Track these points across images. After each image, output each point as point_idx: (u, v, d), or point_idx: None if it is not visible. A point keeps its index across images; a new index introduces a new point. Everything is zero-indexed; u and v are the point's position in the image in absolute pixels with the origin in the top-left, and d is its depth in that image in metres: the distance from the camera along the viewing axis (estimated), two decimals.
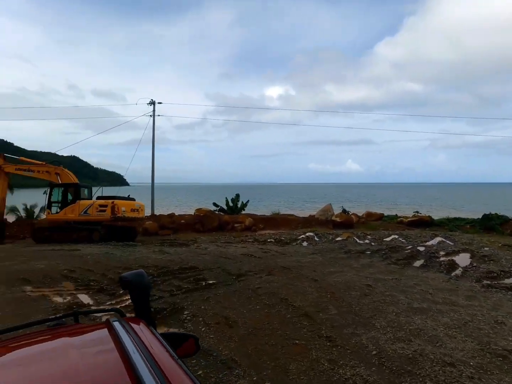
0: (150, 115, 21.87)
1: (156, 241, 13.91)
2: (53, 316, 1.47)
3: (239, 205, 25.14)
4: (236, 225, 17.94)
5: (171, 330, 4.91)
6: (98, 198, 14.63)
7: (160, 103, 22.44)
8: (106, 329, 1.15)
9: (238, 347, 4.21)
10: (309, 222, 19.49)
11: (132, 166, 23.90)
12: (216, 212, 20.40)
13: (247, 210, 24.57)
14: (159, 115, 22.31)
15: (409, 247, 11.70)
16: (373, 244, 12.71)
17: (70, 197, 14.27)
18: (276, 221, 19.62)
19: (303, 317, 4.97)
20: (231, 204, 24.86)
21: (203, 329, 4.81)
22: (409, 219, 18.91)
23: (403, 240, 13.66)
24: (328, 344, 4.22)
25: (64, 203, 14.20)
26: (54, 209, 14.39)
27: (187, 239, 14.63)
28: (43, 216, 24.44)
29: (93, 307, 5.84)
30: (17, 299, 6.33)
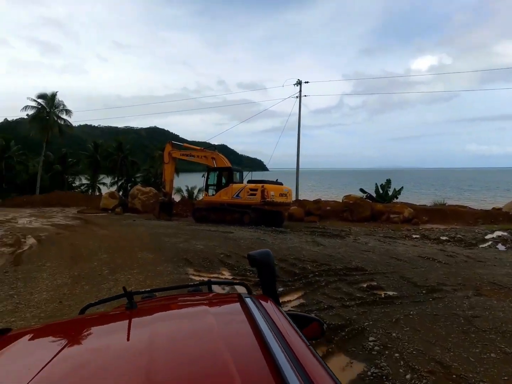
0: (296, 96, 21.18)
1: (304, 229, 12.99)
2: (192, 283, 1.67)
3: (390, 192, 22.02)
4: (392, 215, 15.36)
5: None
6: (249, 182, 14.74)
7: (307, 82, 21.46)
8: (238, 303, 1.17)
9: None
10: (493, 216, 15.03)
11: (271, 152, 23.94)
12: (367, 200, 18.14)
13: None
14: (305, 95, 21.45)
15: None
16: None
17: (224, 180, 14.85)
18: (443, 213, 15.94)
19: None
20: (381, 191, 21.99)
21: (408, 376, 3.23)
22: None
23: None
24: None
25: (218, 186, 14.89)
26: (210, 191, 15.30)
27: (337, 228, 13.17)
28: (201, 197, 27.56)
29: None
30: (181, 281, 6.20)
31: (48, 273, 6.88)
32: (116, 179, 39.59)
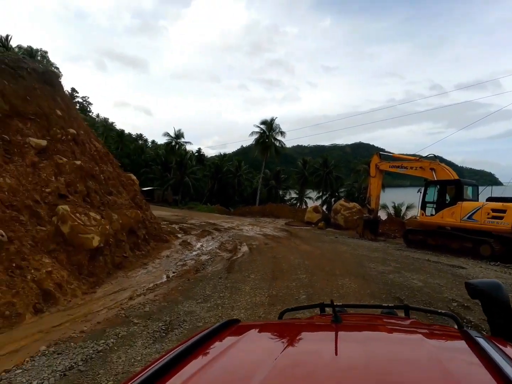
0: None
1: None
2: (387, 305, 1.53)
3: None
4: None
5: None
6: (489, 199, 10.80)
7: None
8: (463, 340, 0.96)
9: None
10: None
11: (504, 163, 17.32)
12: None
13: None
14: None
15: None
16: None
17: (448, 197, 11.56)
18: None
19: None
20: None
21: None
22: None
23: None
24: None
25: (441, 204, 11.68)
26: (429, 210, 12.29)
27: None
28: (409, 215, 23.79)
29: None
30: None
31: (250, 287, 6.79)
32: (321, 194, 41.30)
